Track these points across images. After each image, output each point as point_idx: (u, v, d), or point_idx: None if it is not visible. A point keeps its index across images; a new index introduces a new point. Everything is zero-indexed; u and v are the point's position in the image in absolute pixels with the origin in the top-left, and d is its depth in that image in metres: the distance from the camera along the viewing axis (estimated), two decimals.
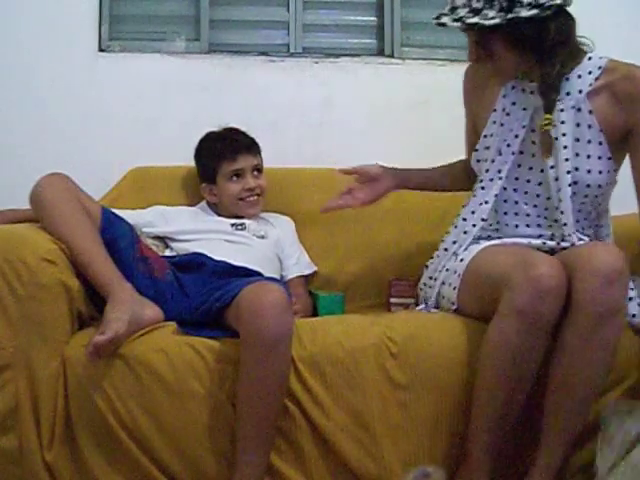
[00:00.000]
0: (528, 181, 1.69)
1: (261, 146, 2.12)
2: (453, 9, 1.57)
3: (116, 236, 1.69)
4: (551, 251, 1.63)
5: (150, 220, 2.02)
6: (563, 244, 1.64)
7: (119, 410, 1.51)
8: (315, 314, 1.97)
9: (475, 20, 1.52)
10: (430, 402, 1.56)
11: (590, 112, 1.62)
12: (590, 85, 1.63)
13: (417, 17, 2.47)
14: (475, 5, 1.53)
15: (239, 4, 2.45)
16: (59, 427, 1.52)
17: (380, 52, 2.49)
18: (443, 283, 1.71)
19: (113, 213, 1.75)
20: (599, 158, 1.63)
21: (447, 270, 1.70)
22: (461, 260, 1.68)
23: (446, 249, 1.78)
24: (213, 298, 1.64)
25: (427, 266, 1.83)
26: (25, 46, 2.25)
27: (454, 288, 1.65)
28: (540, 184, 1.67)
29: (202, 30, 2.40)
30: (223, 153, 2.06)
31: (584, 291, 1.37)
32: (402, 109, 2.40)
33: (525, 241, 1.66)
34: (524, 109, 1.69)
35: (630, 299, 1.55)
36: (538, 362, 1.45)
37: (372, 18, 2.50)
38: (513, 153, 1.69)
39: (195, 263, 1.84)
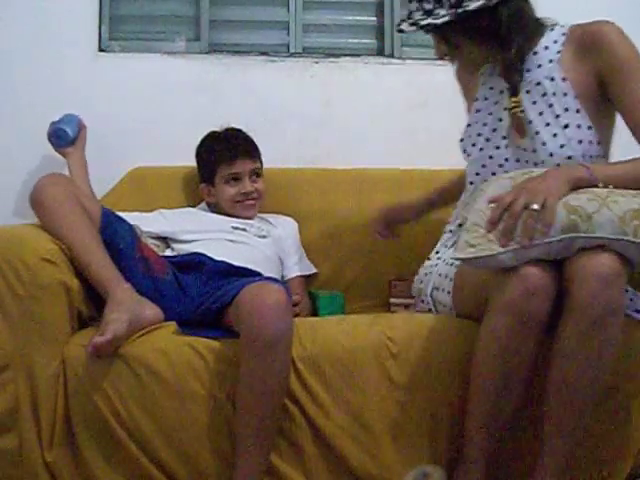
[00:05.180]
0: (527, 162, 1.68)
1: (261, 146, 2.12)
2: (409, 14, 1.63)
3: (116, 236, 1.69)
4: None
5: (152, 222, 2.02)
6: None
7: (119, 410, 1.51)
8: (315, 314, 1.97)
9: (428, 21, 1.58)
10: (430, 402, 1.56)
11: (563, 79, 1.63)
12: (558, 52, 1.65)
13: None
14: (427, 7, 1.59)
15: (239, 4, 2.46)
16: (59, 427, 1.52)
17: (380, 52, 2.49)
18: (437, 289, 1.71)
19: (113, 213, 1.75)
20: (578, 127, 1.62)
21: (439, 275, 1.71)
22: (451, 264, 1.68)
23: (437, 252, 1.80)
24: (213, 298, 1.64)
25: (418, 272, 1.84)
26: (25, 46, 2.25)
27: (448, 293, 1.66)
28: (536, 164, 1.65)
29: (202, 30, 2.41)
30: (221, 156, 2.06)
31: (583, 293, 1.37)
32: (402, 109, 2.40)
33: None
34: (501, 92, 1.71)
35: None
36: (529, 361, 1.44)
37: (372, 18, 2.50)
38: (504, 137, 1.69)
39: (195, 263, 1.84)
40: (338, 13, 2.49)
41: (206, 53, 2.40)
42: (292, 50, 2.45)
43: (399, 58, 2.46)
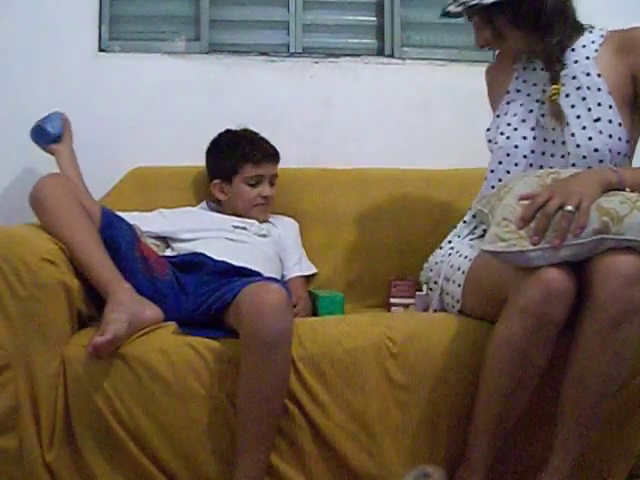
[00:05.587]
0: (552, 155, 1.70)
1: None
2: None
3: (116, 236, 1.69)
4: None
5: (152, 221, 2.02)
6: None
7: (119, 410, 1.51)
8: (315, 314, 1.97)
9: (476, 1, 1.63)
10: (430, 402, 1.56)
11: (599, 75, 1.66)
12: (595, 51, 1.69)
13: (417, 17, 2.48)
14: None
15: (239, 4, 2.45)
16: (59, 427, 1.52)
17: (380, 52, 2.49)
18: (447, 279, 1.71)
19: (113, 213, 1.75)
20: (609, 122, 1.64)
21: (451, 266, 1.70)
22: (465, 257, 1.68)
23: (450, 241, 1.80)
24: (213, 298, 1.64)
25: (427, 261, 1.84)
26: (25, 46, 2.25)
27: (458, 285, 1.65)
28: (563, 157, 1.68)
29: (202, 30, 2.40)
30: (249, 156, 2.05)
31: (605, 291, 1.36)
32: (402, 109, 2.41)
33: None
34: (534, 84, 1.74)
35: None
36: (541, 366, 1.44)
37: (372, 18, 2.50)
38: (532, 129, 1.72)
39: (195, 263, 1.84)
40: (338, 13, 2.49)
41: (206, 53, 2.40)
42: (292, 50, 2.45)
43: (399, 58, 2.46)
